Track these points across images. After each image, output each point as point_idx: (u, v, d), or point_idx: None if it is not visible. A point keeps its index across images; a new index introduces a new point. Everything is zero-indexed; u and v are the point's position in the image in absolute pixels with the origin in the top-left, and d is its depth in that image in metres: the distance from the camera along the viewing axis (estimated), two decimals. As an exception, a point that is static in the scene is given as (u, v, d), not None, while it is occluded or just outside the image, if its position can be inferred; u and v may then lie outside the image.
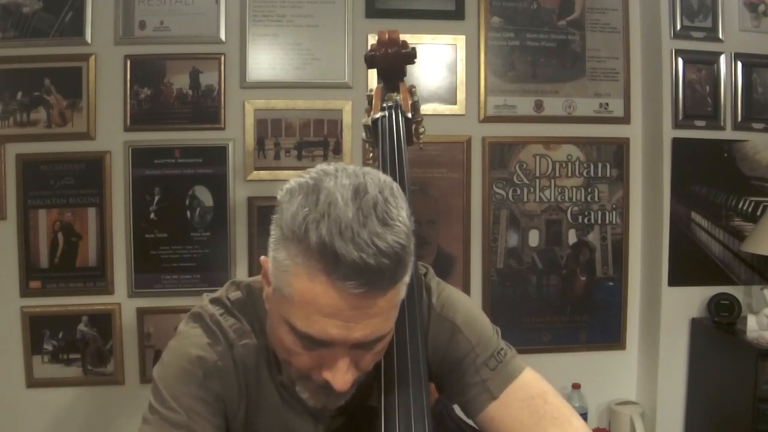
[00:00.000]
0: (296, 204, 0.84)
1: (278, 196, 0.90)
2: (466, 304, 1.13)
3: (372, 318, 0.85)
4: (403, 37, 1.50)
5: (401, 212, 0.85)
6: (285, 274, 0.86)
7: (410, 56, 1.47)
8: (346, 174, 0.87)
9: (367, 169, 0.91)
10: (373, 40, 1.48)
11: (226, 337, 1.03)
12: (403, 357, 1.03)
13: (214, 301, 1.07)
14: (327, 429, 1.07)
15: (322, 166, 0.90)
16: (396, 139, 1.30)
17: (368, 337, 0.87)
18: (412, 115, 1.42)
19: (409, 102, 1.41)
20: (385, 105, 1.39)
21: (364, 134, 1.45)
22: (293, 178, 0.90)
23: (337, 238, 0.79)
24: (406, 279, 0.89)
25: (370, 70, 1.61)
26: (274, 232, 0.89)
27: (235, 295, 1.08)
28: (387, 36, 1.45)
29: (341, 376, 0.89)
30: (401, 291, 0.89)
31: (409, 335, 1.04)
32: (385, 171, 1.24)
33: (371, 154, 1.46)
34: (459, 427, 1.11)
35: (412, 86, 1.49)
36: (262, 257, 0.96)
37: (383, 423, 0.99)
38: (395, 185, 0.90)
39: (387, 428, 0.98)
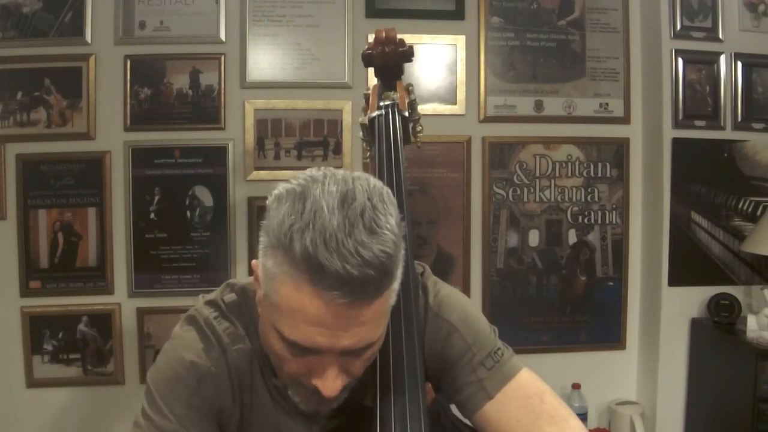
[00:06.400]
0: (283, 211, 0.83)
1: (267, 202, 0.89)
2: (463, 304, 1.13)
3: (360, 326, 0.85)
4: (402, 37, 1.49)
5: (390, 219, 0.84)
6: (273, 281, 0.86)
7: (407, 54, 1.46)
8: (335, 180, 0.86)
9: (358, 174, 0.90)
10: (372, 39, 1.47)
11: (219, 341, 1.03)
12: (399, 357, 1.03)
13: (209, 303, 1.07)
14: (322, 431, 1.07)
15: (311, 172, 0.89)
16: (393, 138, 1.30)
17: (356, 345, 0.87)
18: (409, 113, 1.41)
19: (406, 100, 1.41)
20: (381, 104, 1.39)
21: (361, 133, 1.44)
22: (282, 184, 0.89)
23: (322, 248, 0.78)
24: (395, 286, 0.88)
25: (369, 70, 1.61)
26: (262, 238, 0.89)
27: (230, 297, 1.07)
28: (384, 34, 1.44)
29: (330, 384, 0.89)
30: (389, 299, 0.89)
31: (405, 335, 1.04)
32: (381, 170, 1.24)
33: (368, 153, 1.46)
34: (456, 427, 1.10)
35: (410, 84, 1.49)
36: (254, 261, 0.95)
37: (379, 423, 0.99)
38: (386, 191, 0.89)
39: (383, 429, 0.98)
